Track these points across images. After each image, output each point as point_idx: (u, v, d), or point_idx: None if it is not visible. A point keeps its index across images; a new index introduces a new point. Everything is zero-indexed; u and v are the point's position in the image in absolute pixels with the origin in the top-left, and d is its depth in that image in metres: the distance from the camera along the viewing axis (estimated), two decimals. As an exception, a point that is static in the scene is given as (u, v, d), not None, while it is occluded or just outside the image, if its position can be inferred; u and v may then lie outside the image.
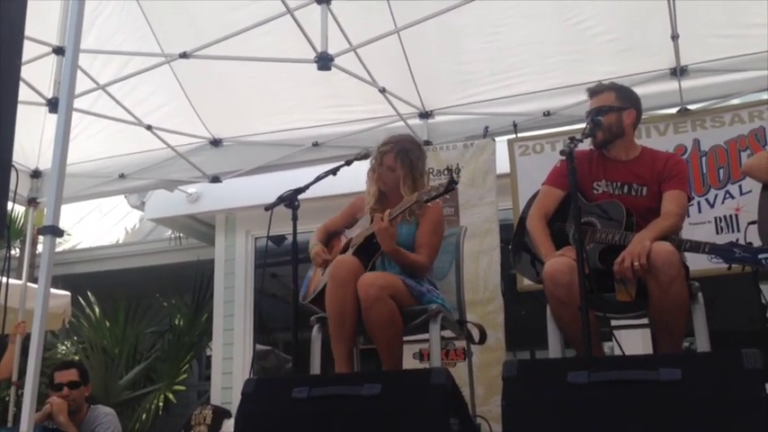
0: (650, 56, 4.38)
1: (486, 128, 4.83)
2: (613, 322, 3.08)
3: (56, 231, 2.35)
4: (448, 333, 3.33)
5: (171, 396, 7.48)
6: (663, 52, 4.32)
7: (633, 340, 4.25)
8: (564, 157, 2.76)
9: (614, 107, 3.09)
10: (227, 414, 4.29)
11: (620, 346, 2.97)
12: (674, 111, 4.59)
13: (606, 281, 2.76)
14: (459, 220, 4.68)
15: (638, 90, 3.32)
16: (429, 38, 4.47)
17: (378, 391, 2.31)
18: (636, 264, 2.63)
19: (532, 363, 2.66)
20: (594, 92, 3.20)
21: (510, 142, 4.84)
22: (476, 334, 3.40)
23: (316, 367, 3.06)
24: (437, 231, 3.33)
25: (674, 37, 4.14)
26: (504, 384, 2.26)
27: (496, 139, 4.85)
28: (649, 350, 3.91)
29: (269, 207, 3.37)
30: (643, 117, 3.32)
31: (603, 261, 2.83)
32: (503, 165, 4.84)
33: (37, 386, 2.30)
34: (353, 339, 3.13)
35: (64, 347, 8.11)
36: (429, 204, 3.12)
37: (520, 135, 4.81)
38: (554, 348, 2.80)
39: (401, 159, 3.31)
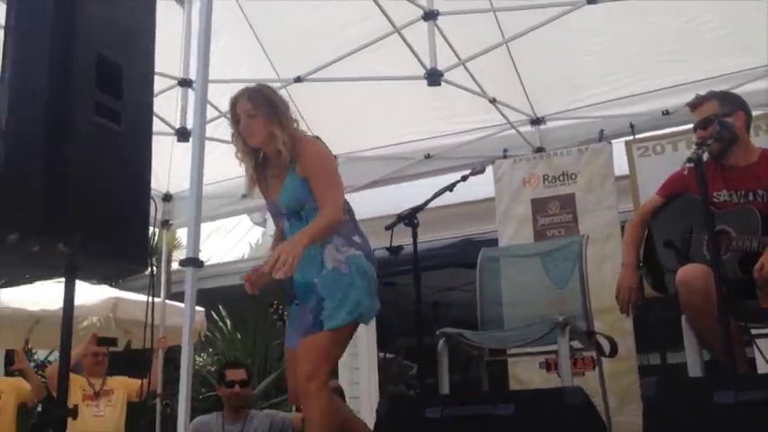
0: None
1: (602, 131, 4.73)
2: (754, 330, 2.95)
3: (196, 263, 2.45)
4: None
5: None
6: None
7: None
8: (691, 164, 2.68)
9: (719, 114, 2.97)
10: None
11: (763, 356, 2.84)
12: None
13: (748, 290, 2.66)
14: (579, 226, 4.60)
15: (757, 85, 3.16)
16: (537, 44, 4.42)
17: (511, 412, 2.32)
18: None
19: (673, 381, 2.55)
20: (695, 105, 3.09)
21: (628, 144, 4.71)
22: (605, 345, 3.33)
23: (444, 385, 3.09)
24: (326, 168, 2.88)
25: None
26: (644, 403, 2.21)
27: (612, 141, 4.74)
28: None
29: (389, 227, 3.44)
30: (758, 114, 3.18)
31: (744, 270, 2.72)
32: (620, 167, 4.72)
33: (189, 399, 2.38)
34: None
35: (201, 359, 8.52)
36: (300, 142, 2.86)
37: (638, 136, 4.67)
38: (693, 362, 2.72)
39: (255, 99, 2.91)
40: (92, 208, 2.41)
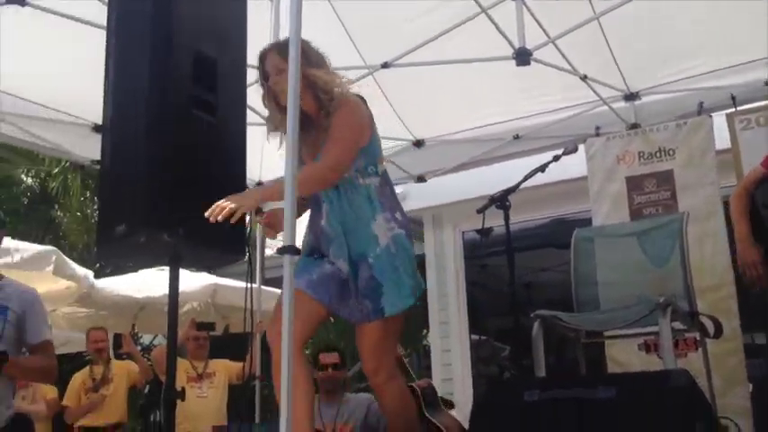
0: None
1: (701, 104, 4.54)
2: None
3: (294, 250, 2.47)
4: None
5: None
6: None
7: None
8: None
9: None
10: (450, 405, 4.42)
11: None
12: None
13: None
14: (678, 204, 4.44)
15: None
16: (628, 17, 4.26)
17: (613, 395, 2.27)
18: None
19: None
20: None
21: (729, 117, 4.49)
22: (709, 326, 3.22)
23: (540, 367, 3.06)
24: (346, 126, 2.63)
25: None
26: (752, 385, 2.13)
27: (713, 114, 4.54)
28: None
29: (481, 210, 3.43)
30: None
31: None
32: (721, 141, 4.52)
33: (290, 381, 2.39)
34: None
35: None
36: (339, 100, 2.64)
37: (740, 108, 4.45)
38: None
39: (284, 53, 2.51)
40: (192, 199, 2.50)
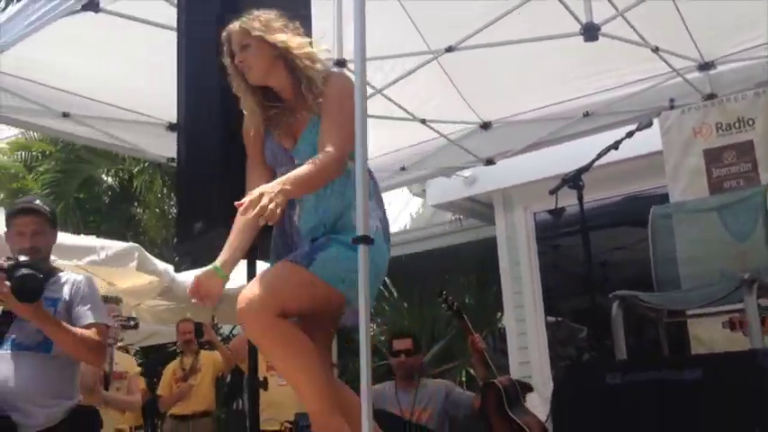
0: None
1: (780, 69, 4.35)
2: None
3: (367, 240, 2.47)
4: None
5: (472, 371, 7.69)
6: None
7: None
8: None
9: None
10: (528, 388, 4.39)
11: None
12: None
13: None
14: (760, 176, 4.27)
15: None
16: (703, -18, 4.12)
17: (698, 376, 2.22)
18: None
19: None
20: None
21: (811, 81, 4.31)
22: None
23: (621, 349, 3.01)
24: (344, 104, 2.37)
25: None
26: None
27: (795, 81, 4.34)
28: None
29: (553, 190, 3.39)
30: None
31: None
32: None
33: (370, 367, 2.39)
34: None
35: (371, 329, 8.82)
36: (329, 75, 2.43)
37: (823, 72, 4.26)
38: None
39: (249, 26, 2.41)
40: None
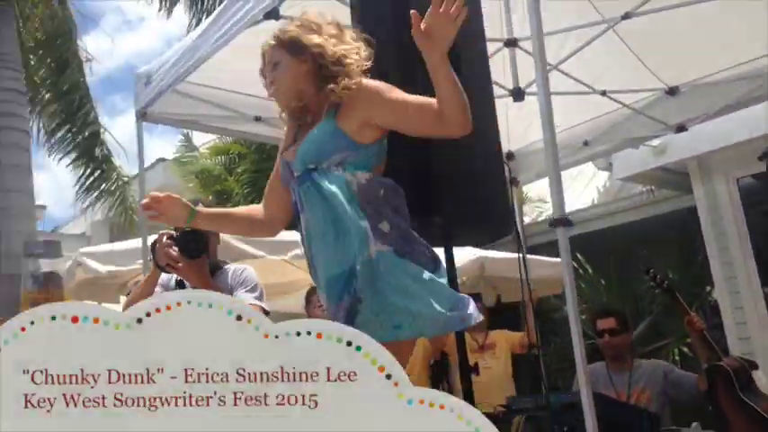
0: None
1: None
2: None
3: (566, 222, 2.50)
4: None
5: (686, 350, 7.21)
6: None
7: None
8: None
9: None
10: (754, 365, 4.05)
11: None
12: None
13: None
14: None
15: None
16: None
17: None
18: None
19: None
20: None
21: None
22: None
23: None
24: (393, 90, 2.13)
25: None
26: None
27: None
28: None
29: (763, 156, 3.22)
30: None
31: None
32: None
33: (583, 346, 2.43)
34: None
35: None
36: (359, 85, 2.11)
37: None
38: None
39: (278, 40, 2.19)
40: (455, 180, 2.59)
